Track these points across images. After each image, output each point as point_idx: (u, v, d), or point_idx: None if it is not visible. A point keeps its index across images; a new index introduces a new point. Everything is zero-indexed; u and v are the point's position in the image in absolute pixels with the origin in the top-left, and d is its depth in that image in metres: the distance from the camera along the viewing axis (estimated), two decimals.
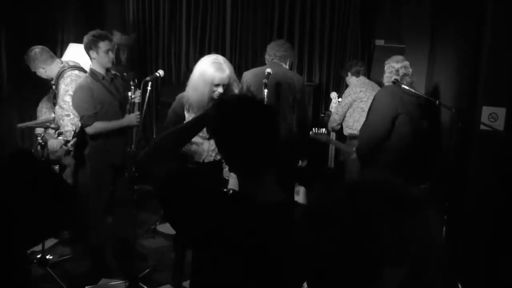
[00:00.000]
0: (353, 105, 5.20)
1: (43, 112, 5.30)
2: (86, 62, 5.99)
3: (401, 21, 6.32)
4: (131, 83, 4.39)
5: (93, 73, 4.26)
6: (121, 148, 4.35)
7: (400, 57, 4.50)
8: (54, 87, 4.80)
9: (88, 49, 4.24)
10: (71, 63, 4.93)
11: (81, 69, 4.90)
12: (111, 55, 4.25)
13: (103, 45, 4.19)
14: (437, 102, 4.24)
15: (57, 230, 1.58)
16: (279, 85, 4.55)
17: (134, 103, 4.38)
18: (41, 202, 1.55)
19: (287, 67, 4.81)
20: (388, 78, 4.37)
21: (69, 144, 4.66)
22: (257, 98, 1.76)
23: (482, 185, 4.15)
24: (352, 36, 6.55)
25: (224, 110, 1.72)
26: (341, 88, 6.64)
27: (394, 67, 4.34)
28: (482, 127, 4.11)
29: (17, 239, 1.53)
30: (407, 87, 4.22)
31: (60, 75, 4.75)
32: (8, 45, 5.45)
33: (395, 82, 4.23)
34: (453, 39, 5.18)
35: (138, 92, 4.43)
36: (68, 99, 4.51)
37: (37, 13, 5.83)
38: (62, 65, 4.86)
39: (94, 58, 4.24)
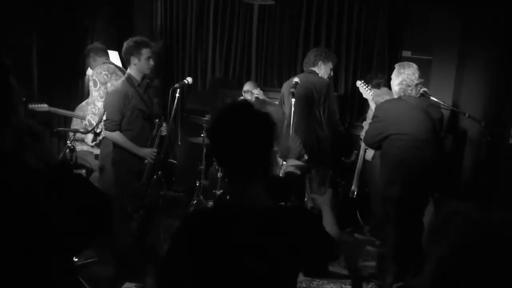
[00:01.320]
0: None
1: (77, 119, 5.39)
2: None
3: (429, 33, 6.28)
4: (157, 120, 4.38)
5: (130, 78, 4.30)
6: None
7: (411, 67, 4.20)
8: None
9: (129, 54, 4.27)
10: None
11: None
12: (152, 62, 4.29)
13: (145, 52, 4.24)
14: (467, 115, 4.20)
15: (94, 241, 1.60)
16: (303, 93, 4.61)
17: (154, 136, 4.31)
18: (80, 213, 1.57)
19: (321, 72, 4.87)
20: (401, 87, 4.16)
21: (98, 138, 4.75)
22: (251, 105, 1.79)
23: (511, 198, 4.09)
24: (379, 47, 6.53)
25: (216, 114, 1.79)
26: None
27: (405, 80, 4.15)
28: (511, 141, 4.08)
29: (62, 250, 1.55)
30: (435, 99, 4.19)
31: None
32: (39, 51, 5.53)
33: (425, 94, 4.19)
34: (484, 53, 5.13)
35: (165, 128, 4.46)
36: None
37: (67, 20, 5.91)
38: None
39: (135, 64, 4.27)
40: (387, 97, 4.66)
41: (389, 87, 5.46)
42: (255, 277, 1.68)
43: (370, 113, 5.26)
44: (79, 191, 1.59)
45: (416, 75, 4.12)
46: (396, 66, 4.28)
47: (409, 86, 4.11)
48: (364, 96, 4.86)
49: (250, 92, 5.74)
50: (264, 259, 1.67)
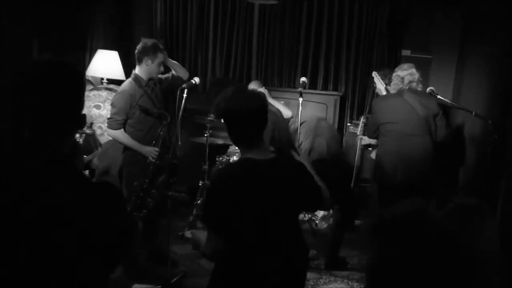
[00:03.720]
0: None
1: None
2: (112, 68, 6.08)
3: (429, 31, 6.32)
4: (164, 122, 4.37)
5: (137, 78, 4.30)
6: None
7: (405, 65, 4.59)
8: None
9: (144, 54, 4.28)
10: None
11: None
12: (162, 68, 4.32)
13: (160, 57, 4.28)
14: (473, 113, 4.25)
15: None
16: None
17: (160, 135, 4.30)
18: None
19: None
20: (395, 86, 4.55)
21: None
22: (247, 89, 2.52)
23: None
24: (379, 46, 6.56)
25: (221, 98, 2.36)
26: (366, 97, 6.65)
27: (399, 76, 4.51)
28: None
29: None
30: (441, 97, 4.26)
31: None
32: (40, 52, 5.51)
33: (431, 93, 4.28)
34: (485, 49, 5.17)
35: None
36: None
37: (67, 20, 5.89)
38: None
39: (147, 65, 4.28)
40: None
41: None
42: (277, 210, 2.29)
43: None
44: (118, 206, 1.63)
45: (418, 73, 4.48)
46: (396, 69, 4.61)
47: (411, 82, 4.44)
48: (378, 87, 4.93)
49: None
50: (281, 195, 2.29)
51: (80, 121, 1.59)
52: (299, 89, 4.30)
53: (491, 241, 1.99)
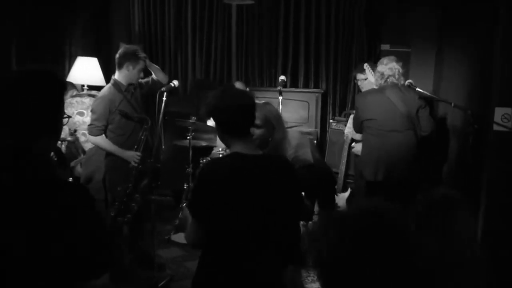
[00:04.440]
0: None
1: None
2: (92, 74, 6.05)
3: (407, 25, 6.35)
4: (145, 126, 4.35)
5: (116, 83, 4.29)
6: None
7: (385, 60, 4.57)
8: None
9: (125, 60, 4.28)
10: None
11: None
12: (142, 74, 4.32)
13: (141, 64, 4.28)
14: (452, 104, 4.28)
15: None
16: None
17: (141, 139, 4.28)
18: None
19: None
20: (376, 82, 4.57)
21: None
22: (235, 88, 2.49)
23: (499, 186, 4.16)
24: (358, 41, 6.59)
25: (215, 98, 2.42)
26: (348, 93, 6.67)
27: (379, 71, 4.52)
28: (495, 127, 4.14)
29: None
30: (420, 90, 4.29)
31: None
32: (18, 58, 5.46)
33: (410, 85, 4.31)
34: (463, 41, 5.21)
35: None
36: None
37: (45, 27, 5.85)
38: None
39: (127, 71, 4.28)
40: None
41: None
42: (260, 206, 2.30)
43: None
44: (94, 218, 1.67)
45: (398, 66, 4.46)
46: (378, 63, 4.60)
47: (390, 76, 4.44)
48: (369, 79, 4.91)
49: None
50: (266, 191, 2.32)
51: (57, 128, 1.70)
52: (279, 88, 4.31)
53: (464, 230, 2.02)
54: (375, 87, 4.60)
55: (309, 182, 3.27)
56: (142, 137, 4.25)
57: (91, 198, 1.65)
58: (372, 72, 4.80)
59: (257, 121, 2.72)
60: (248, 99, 2.46)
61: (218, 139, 4.67)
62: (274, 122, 3.09)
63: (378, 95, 4.47)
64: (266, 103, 3.25)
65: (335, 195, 5.37)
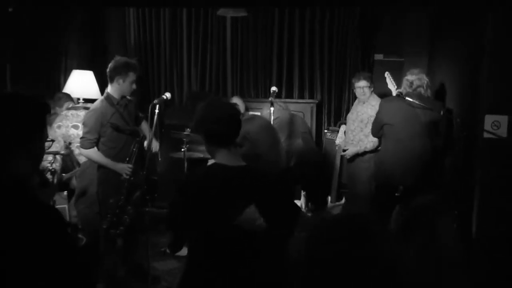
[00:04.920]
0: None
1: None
2: (88, 87, 6.08)
3: (400, 35, 6.40)
4: (137, 139, 4.37)
5: (108, 97, 4.31)
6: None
7: (415, 70, 4.77)
8: None
9: (115, 73, 4.28)
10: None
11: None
12: (134, 86, 4.32)
13: (132, 75, 4.28)
14: (442, 112, 4.31)
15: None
16: None
17: (133, 151, 4.31)
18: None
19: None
20: (403, 89, 4.72)
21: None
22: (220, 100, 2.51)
23: (490, 192, 4.18)
24: (352, 52, 6.63)
25: (202, 111, 2.47)
26: (343, 103, 6.71)
27: (408, 80, 4.69)
28: (485, 135, 4.17)
29: None
30: (410, 99, 4.35)
31: None
32: (13, 72, 5.49)
33: (399, 95, 4.37)
34: (453, 50, 5.25)
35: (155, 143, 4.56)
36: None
37: (40, 40, 5.89)
38: None
39: (118, 84, 4.28)
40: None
41: None
42: (235, 215, 2.30)
43: (349, 115, 5.43)
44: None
45: (427, 78, 4.72)
46: (407, 73, 4.83)
47: (419, 86, 4.64)
48: (389, 87, 5.07)
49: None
50: (243, 202, 2.32)
51: (36, 151, 1.72)
52: (270, 99, 4.35)
53: (445, 236, 2.04)
54: (394, 94, 4.79)
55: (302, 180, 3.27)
56: (134, 149, 4.28)
57: (62, 222, 1.66)
58: (393, 81, 5.00)
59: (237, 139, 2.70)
60: (232, 110, 2.50)
61: None
62: (255, 137, 2.86)
63: (401, 102, 4.60)
64: (251, 118, 3.13)
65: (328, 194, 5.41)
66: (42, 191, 1.88)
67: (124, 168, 4.24)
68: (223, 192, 2.35)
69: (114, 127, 4.22)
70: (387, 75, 5.05)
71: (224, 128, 2.44)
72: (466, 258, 2.21)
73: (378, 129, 4.85)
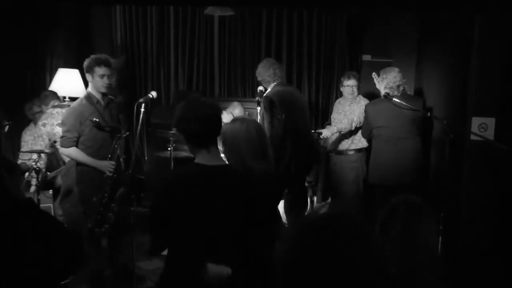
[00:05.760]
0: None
1: (27, 140, 5.35)
2: (75, 86, 6.03)
3: (388, 36, 6.41)
4: (118, 135, 4.35)
5: (89, 96, 4.30)
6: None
7: (393, 71, 4.83)
8: None
9: (86, 72, 4.32)
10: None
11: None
12: (106, 80, 4.27)
13: (98, 70, 4.24)
14: (428, 114, 4.32)
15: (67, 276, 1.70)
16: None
17: (115, 148, 4.31)
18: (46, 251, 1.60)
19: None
20: (391, 90, 4.76)
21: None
22: (200, 99, 2.51)
23: (477, 194, 4.19)
24: (340, 52, 6.63)
25: (183, 111, 2.46)
26: (330, 103, 6.70)
27: (395, 83, 4.76)
28: (472, 137, 4.18)
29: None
30: (398, 100, 4.35)
31: None
32: None
33: (386, 96, 4.38)
34: (440, 51, 5.28)
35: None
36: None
37: (26, 39, 5.83)
38: None
39: (90, 82, 4.30)
40: None
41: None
42: (223, 215, 2.35)
43: (335, 116, 5.42)
44: (48, 230, 1.66)
45: (398, 77, 4.75)
46: (380, 72, 4.90)
47: (391, 88, 4.71)
48: (377, 87, 5.06)
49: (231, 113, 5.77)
50: (221, 202, 2.36)
51: None
52: (257, 99, 4.35)
53: (427, 236, 2.04)
54: (383, 94, 4.78)
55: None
56: (116, 146, 4.27)
57: (35, 208, 1.63)
58: (379, 81, 4.98)
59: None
60: (211, 110, 2.47)
61: None
62: (230, 141, 2.87)
63: (386, 104, 4.69)
64: (234, 120, 3.03)
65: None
66: (10, 178, 1.81)
67: (107, 166, 4.23)
68: (202, 192, 2.36)
69: (95, 124, 4.19)
70: (374, 75, 5.05)
71: (203, 128, 2.42)
72: (446, 258, 2.22)
73: (368, 132, 4.97)
